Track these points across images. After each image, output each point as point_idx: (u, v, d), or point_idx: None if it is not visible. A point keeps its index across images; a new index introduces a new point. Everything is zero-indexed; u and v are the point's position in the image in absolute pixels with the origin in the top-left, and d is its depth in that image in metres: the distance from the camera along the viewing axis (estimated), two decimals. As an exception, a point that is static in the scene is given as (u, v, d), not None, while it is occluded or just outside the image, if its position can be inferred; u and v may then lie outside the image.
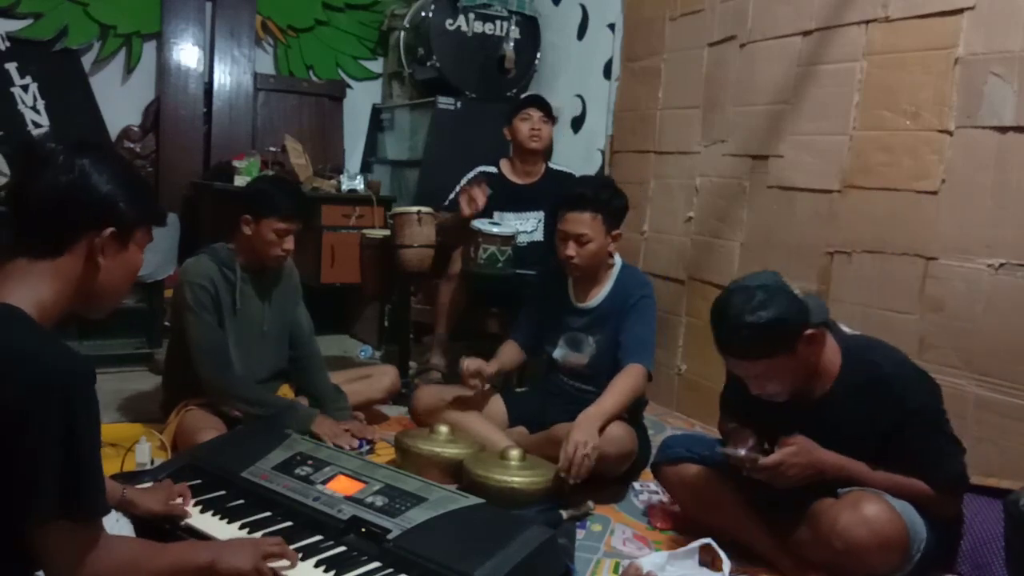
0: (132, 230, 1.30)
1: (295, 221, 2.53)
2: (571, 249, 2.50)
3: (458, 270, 3.39)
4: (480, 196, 3.23)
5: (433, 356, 3.44)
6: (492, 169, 3.54)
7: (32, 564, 1.18)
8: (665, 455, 2.21)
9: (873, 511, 1.77)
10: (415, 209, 3.23)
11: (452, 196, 3.52)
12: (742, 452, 1.89)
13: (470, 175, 3.54)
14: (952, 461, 1.85)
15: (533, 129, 3.41)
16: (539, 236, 3.54)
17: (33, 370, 1.11)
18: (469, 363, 2.57)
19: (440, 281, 3.46)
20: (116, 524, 1.61)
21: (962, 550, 1.95)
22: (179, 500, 1.79)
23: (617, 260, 2.64)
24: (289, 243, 2.53)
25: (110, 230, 1.25)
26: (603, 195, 2.51)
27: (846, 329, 1.98)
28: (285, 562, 1.52)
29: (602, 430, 2.27)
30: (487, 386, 2.64)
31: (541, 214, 3.54)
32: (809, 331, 1.79)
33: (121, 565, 1.23)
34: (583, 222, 2.48)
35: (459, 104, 4.27)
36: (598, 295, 2.60)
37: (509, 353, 2.75)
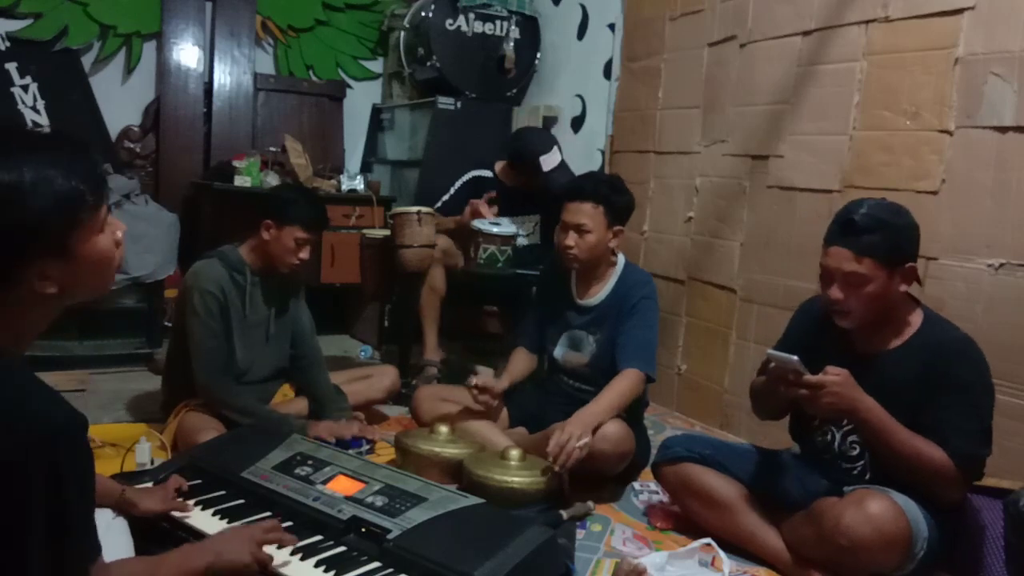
0: (65, 240, 1.07)
1: (317, 232, 2.59)
2: (571, 239, 2.49)
3: (435, 257, 3.33)
4: (487, 214, 3.28)
5: (427, 352, 3.41)
6: (487, 173, 3.50)
7: None
8: (665, 455, 2.21)
9: (877, 509, 1.77)
10: (415, 209, 3.23)
11: (446, 198, 3.50)
12: (795, 358, 1.82)
13: (464, 178, 3.52)
14: (972, 441, 1.82)
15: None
16: (536, 239, 3.53)
17: (14, 430, 1.01)
18: (477, 380, 2.53)
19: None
20: (112, 522, 1.61)
21: (962, 550, 1.95)
22: (179, 497, 1.79)
23: (620, 258, 2.63)
24: (306, 253, 2.56)
25: (36, 267, 1.06)
26: (605, 189, 2.51)
27: None
28: (282, 549, 1.54)
29: (596, 430, 2.27)
30: (496, 402, 2.62)
31: (538, 217, 3.53)
32: (914, 264, 1.86)
33: None
34: (584, 212, 2.47)
35: (459, 104, 4.27)
36: (600, 293, 2.59)
37: (520, 363, 2.74)
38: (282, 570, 1.54)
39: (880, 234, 1.81)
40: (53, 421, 1.04)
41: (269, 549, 1.53)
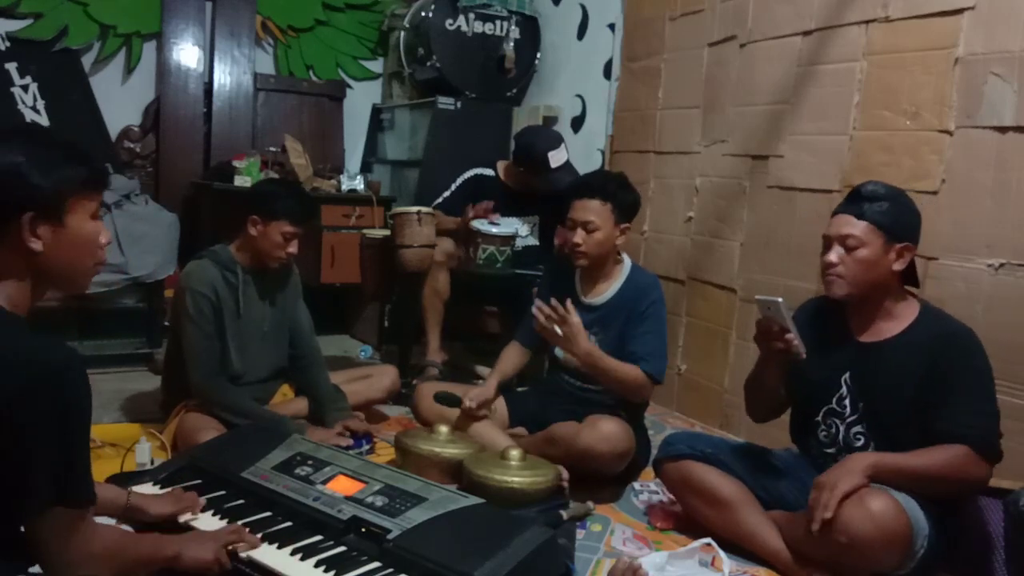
0: (59, 205, 1.23)
1: (303, 225, 2.57)
2: (579, 236, 2.48)
3: (438, 260, 3.35)
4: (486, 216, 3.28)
5: (429, 353, 3.41)
6: (488, 172, 3.50)
7: (25, 558, 1.23)
8: (667, 452, 2.21)
9: (879, 506, 1.77)
10: (415, 209, 3.23)
11: (447, 195, 3.50)
12: (779, 299, 1.88)
13: (466, 175, 3.52)
14: (993, 424, 1.84)
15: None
16: (534, 240, 3.53)
17: (21, 371, 1.13)
18: (470, 401, 2.54)
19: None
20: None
21: (962, 550, 1.95)
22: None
23: (627, 260, 2.63)
24: (294, 247, 2.55)
25: (28, 215, 1.20)
26: (613, 186, 2.51)
27: None
28: (244, 545, 1.60)
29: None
30: (494, 400, 2.64)
31: (537, 218, 3.53)
32: (911, 245, 1.91)
33: (108, 547, 1.30)
34: (591, 209, 2.47)
35: (459, 104, 4.27)
36: (606, 292, 2.58)
37: (509, 359, 2.73)
38: (281, 570, 1.55)
39: (881, 203, 1.89)
40: (54, 360, 1.16)
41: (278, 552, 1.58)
